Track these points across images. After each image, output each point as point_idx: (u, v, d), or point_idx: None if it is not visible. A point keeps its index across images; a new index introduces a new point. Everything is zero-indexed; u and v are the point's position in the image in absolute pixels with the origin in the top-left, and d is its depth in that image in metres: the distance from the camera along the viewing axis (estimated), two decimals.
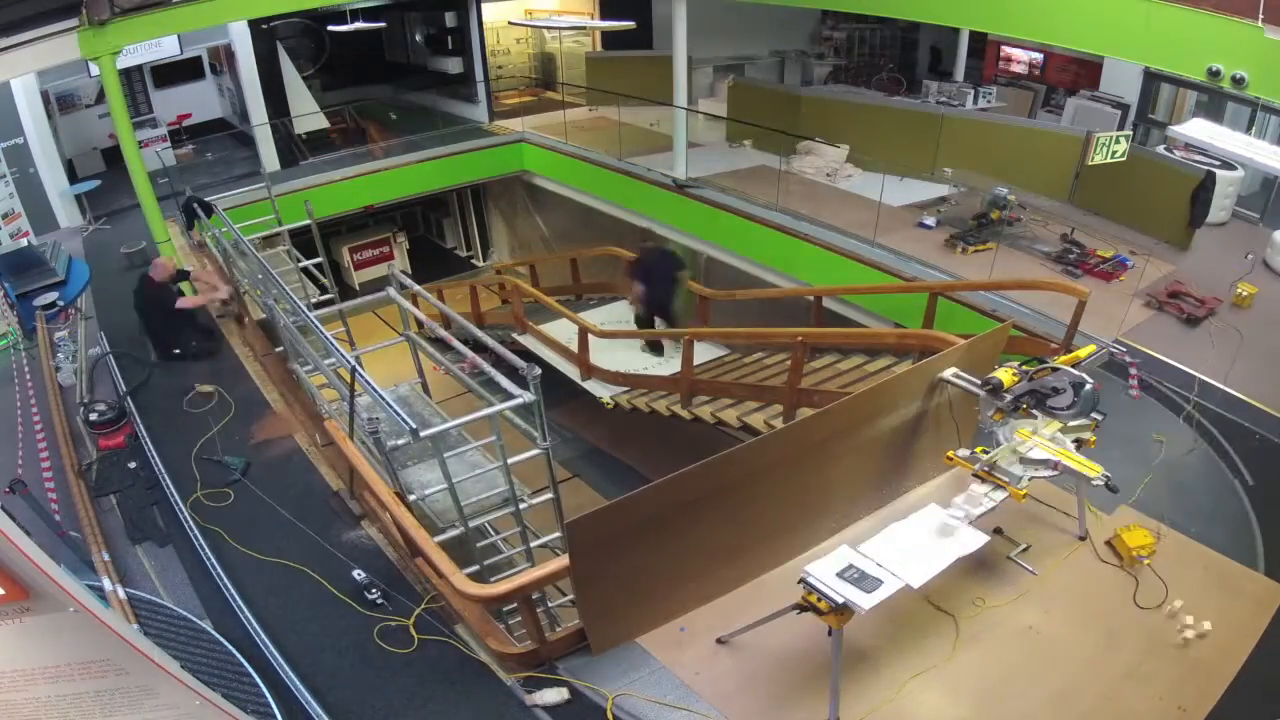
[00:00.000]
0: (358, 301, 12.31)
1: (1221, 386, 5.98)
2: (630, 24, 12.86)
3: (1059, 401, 4.13)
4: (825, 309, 8.30)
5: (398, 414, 4.24)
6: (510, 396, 4.35)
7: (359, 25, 12.47)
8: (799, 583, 3.47)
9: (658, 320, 8.90)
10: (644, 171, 10.68)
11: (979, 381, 4.25)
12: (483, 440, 4.83)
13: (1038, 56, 12.41)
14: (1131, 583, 4.35)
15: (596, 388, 8.57)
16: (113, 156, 10.96)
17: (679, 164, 10.48)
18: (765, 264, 9.40)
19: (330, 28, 13.42)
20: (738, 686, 3.84)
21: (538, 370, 4.29)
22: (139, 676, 2.41)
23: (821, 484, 4.54)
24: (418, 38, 15.62)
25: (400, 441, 4.54)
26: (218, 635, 4.22)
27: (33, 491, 5.16)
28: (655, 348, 8.83)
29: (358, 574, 4.63)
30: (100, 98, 11.59)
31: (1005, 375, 4.17)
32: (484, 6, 13.78)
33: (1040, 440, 4.16)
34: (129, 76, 11.91)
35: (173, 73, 12.81)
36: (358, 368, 4.87)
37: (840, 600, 3.31)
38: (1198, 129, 6.31)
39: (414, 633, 4.27)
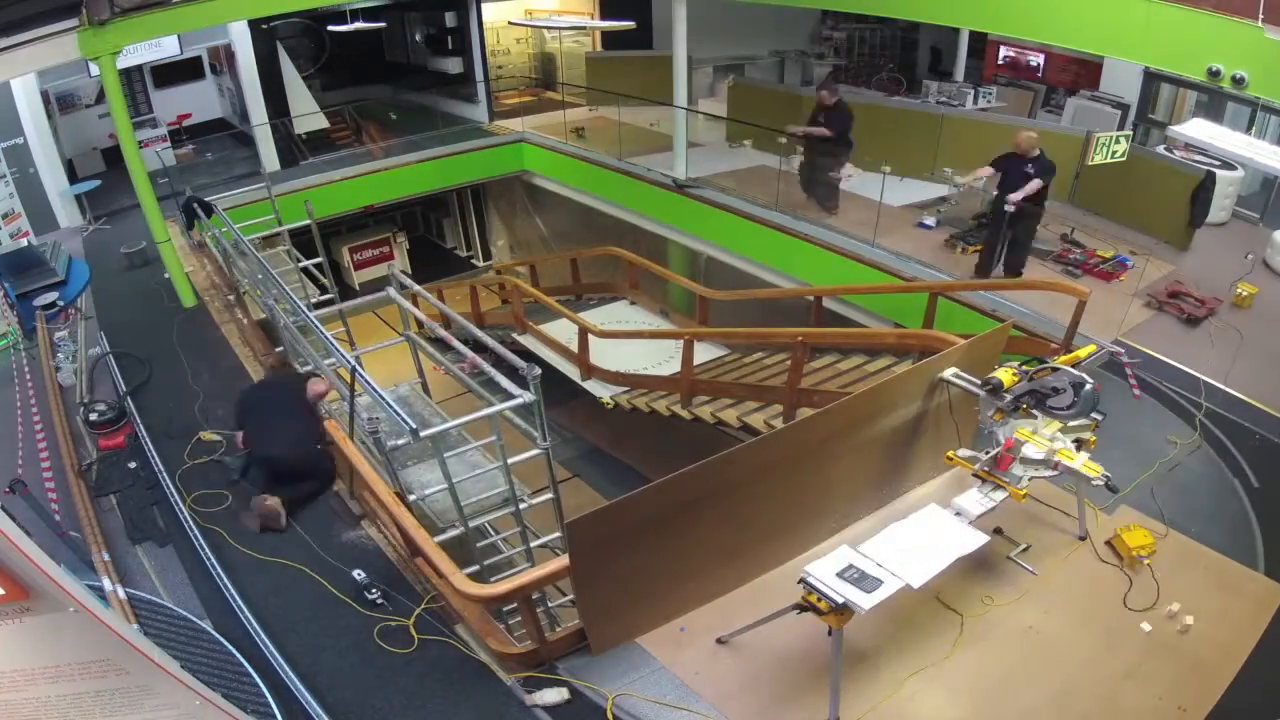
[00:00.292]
0: (358, 301, 12.32)
1: (1222, 387, 5.98)
2: (630, 24, 12.85)
3: (1059, 401, 4.12)
4: (825, 309, 8.30)
5: (398, 414, 4.24)
6: (510, 396, 4.35)
7: (359, 25, 12.47)
8: (799, 583, 3.48)
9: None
10: (644, 171, 10.68)
11: (979, 382, 4.24)
12: (483, 440, 4.83)
13: (1037, 58, 12.41)
14: (1130, 582, 4.35)
15: (596, 388, 8.57)
16: (113, 156, 10.97)
17: (679, 164, 10.47)
18: (765, 264, 9.39)
19: (330, 28, 13.41)
20: (738, 686, 3.84)
21: (538, 370, 4.29)
22: (139, 676, 2.41)
23: (821, 484, 4.54)
24: (418, 38, 15.62)
25: (400, 441, 4.55)
26: (218, 635, 4.22)
27: (33, 491, 5.16)
28: None
29: (358, 574, 4.63)
30: (100, 98, 11.60)
31: (1005, 375, 4.17)
32: (484, 6, 13.77)
33: (1040, 440, 4.17)
34: (129, 76, 11.91)
35: (173, 73, 12.81)
36: (358, 368, 4.87)
37: (840, 600, 3.31)
38: (1198, 129, 6.32)
39: (414, 633, 4.27)
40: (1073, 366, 4.22)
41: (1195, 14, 5.02)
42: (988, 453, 4.14)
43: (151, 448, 5.88)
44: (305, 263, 8.22)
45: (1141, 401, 5.93)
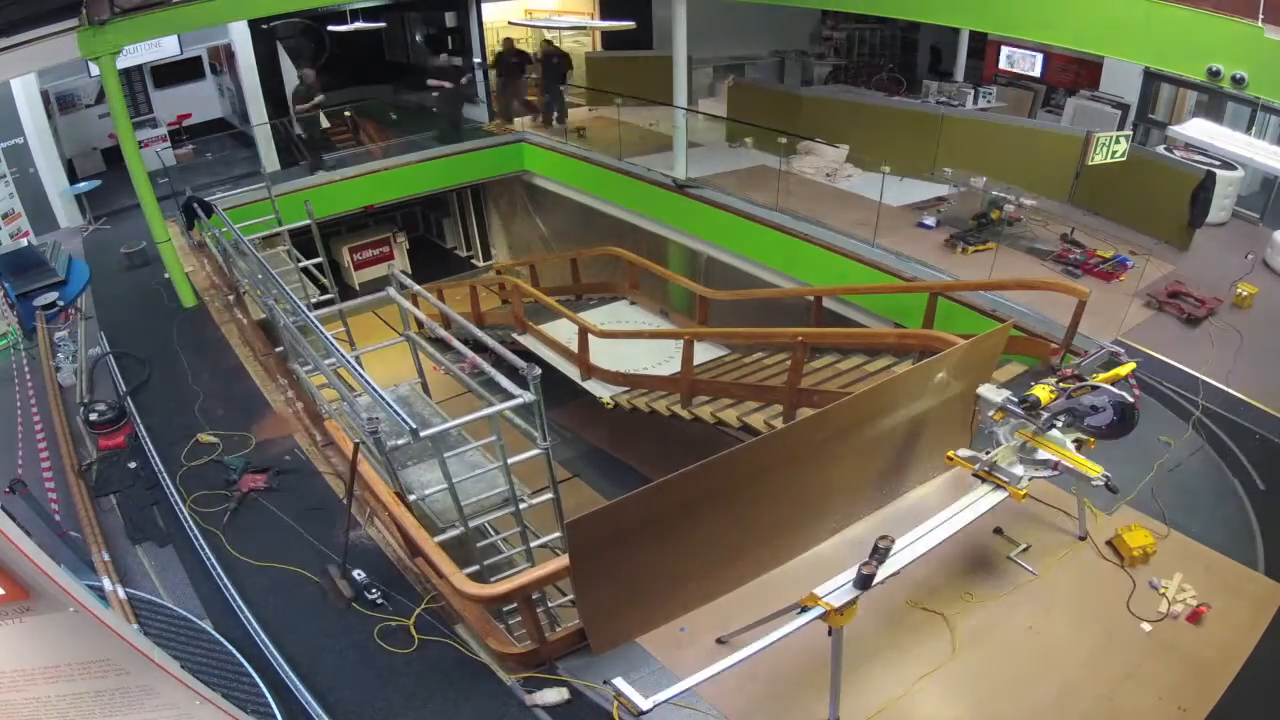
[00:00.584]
0: (358, 301, 12.32)
1: (1222, 387, 5.98)
2: (630, 24, 12.88)
3: (1098, 420, 4.01)
4: (825, 309, 8.30)
5: (398, 414, 4.24)
6: (510, 396, 4.35)
7: (359, 25, 12.46)
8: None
9: None
10: (644, 171, 10.69)
11: (1017, 400, 4.08)
12: (483, 440, 4.83)
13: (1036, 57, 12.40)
14: (1131, 583, 4.35)
15: (596, 388, 8.57)
16: (113, 156, 10.96)
17: (679, 164, 10.47)
18: (765, 264, 9.40)
19: (330, 28, 13.41)
20: (738, 686, 3.84)
21: (538, 370, 4.29)
22: (139, 676, 2.41)
23: (821, 484, 4.54)
24: (418, 38, 15.62)
25: (400, 441, 4.54)
26: (218, 635, 4.22)
27: (33, 491, 5.16)
28: None
29: (358, 574, 4.63)
30: (100, 98, 11.60)
31: (1042, 392, 4.06)
32: (484, 6, 13.78)
33: (1040, 440, 4.15)
34: (129, 76, 11.92)
35: (173, 73, 12.81)
36: (356, 367, 4.87)
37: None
38: (1198, 129, 6.31)
39: (414, 633, 4.27)
40: (1111, 385, 4.10)
41: (1195, 14, 5.01)
42: (987, 452, 4.13)
43: (151, 448, 5.88)
44: (305, 263, 8.22)
45: (1141, 401, 5.91)
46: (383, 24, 14.08)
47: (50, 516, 5.12)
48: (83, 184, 10.80)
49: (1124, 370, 4.38)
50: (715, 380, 7.81)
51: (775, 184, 9.58)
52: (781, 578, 4.39)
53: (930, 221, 8.94)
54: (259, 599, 4.58)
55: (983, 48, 13.11)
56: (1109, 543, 4.59)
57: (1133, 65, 9.82)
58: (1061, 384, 4.19)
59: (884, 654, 3.99)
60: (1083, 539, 4.65)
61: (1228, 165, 8.51)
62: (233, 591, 4.61)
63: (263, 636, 4.30)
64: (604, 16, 14.74)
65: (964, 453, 4.26)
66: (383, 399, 4.43)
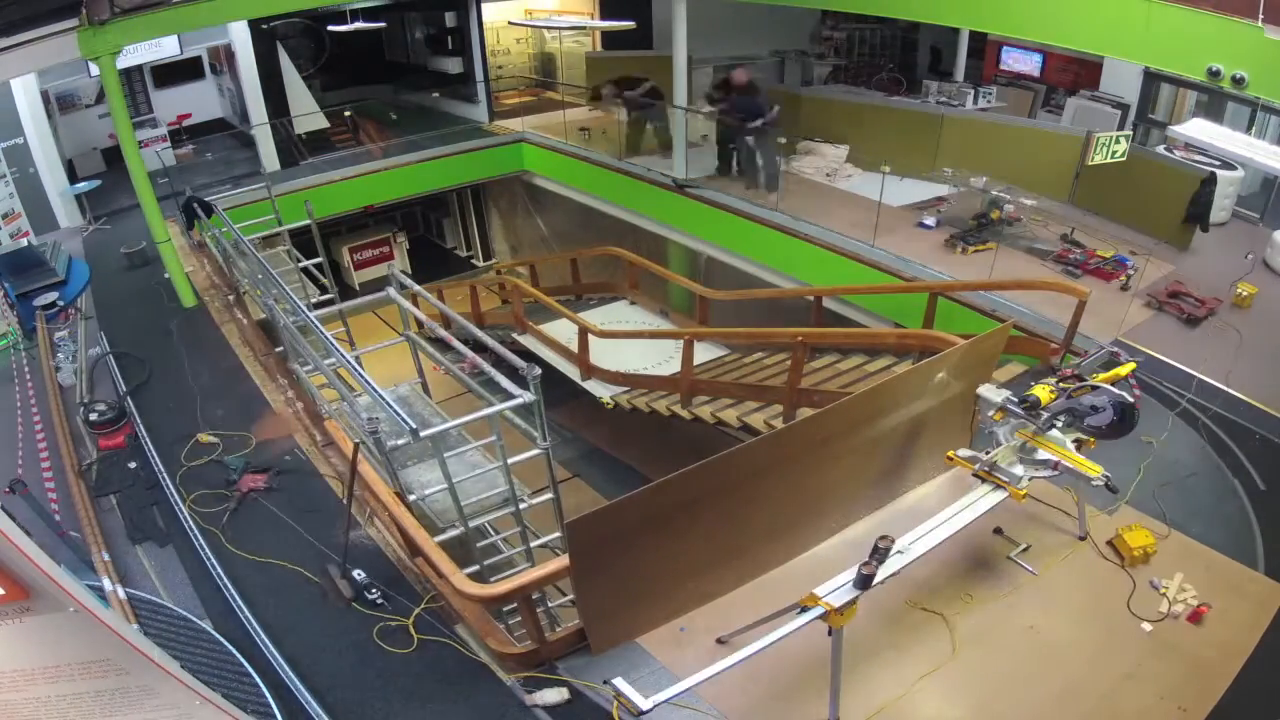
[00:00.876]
0: (358, 301, 12.27)
1: (1222, 387, 5.98)
2: (630, 24, 12.85)
3: (1098, 420, 4.00)
4: (825, 309, 8.30)
5: (398, 414, 4.24)
6: (510, 396, 4.35)
7: (359, 25, 12.47)
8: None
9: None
10: (644, 171, 10.68)
11: (1017, 400, 4.08)
12: (483, 440, 4.83)
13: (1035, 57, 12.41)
14: (1132, 583, 4.35)
15: (596, 388, 8.57)
16: (113, 156, 10.97)
17: (679, 164, 10.47)
18: (765, 264, 9.40)
19: (330, 28, 13.42)
20: (738, 686, 3.84)
21: (538, 370, 4.29)
22: (139, 676, 2.41)
23: (821, 484, 4.54)
24: (418, 37, 15.62)
25: (400, 441, 4.54)
26: (218, 635, 4.22)
27: (33, 491, 5.17)
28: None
29: (358, 574, 4.63)
30: (100, 98, 11.59)
31: (1042, 392, 4.06)
32: (484, 6, 13.77)
33: (1040, 440, 4.15)
34: (129, 76, 11.90)
35: (173, 73, 12.80)
36: (358, 368, 4.87)
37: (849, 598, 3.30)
38: (1198, 129, 6.31)
39: (414, 633, 4.27)
40: (1111, 384, 4.09)
41: (1195, 14, 5.01)
42: (987, 452, 4.13)
43: (151, 448, 5.88)
44: (305, 263, 8.22)
45: (1141, 401, 5.92)
46: (383, 24, 14.08)
47: (50, 516, 5.12)
48: (83, 184, 10.80)
49: (1124, 370, 4.37)
50: (715, 380, 7.81)
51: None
52: (781, 578, 4.39)
53: (930, 221, 8.94)
54: (259, 599, 4.58)
55: (983, 48, 13.10)
56: (1109, 543, 4.59)
57: (1133, 65, 9.82)
58: (1061, 384, 4.19)
59: (884, 654, 3.98)
60: (1083, 539, 4.65)
61: (1228, 165, 8.51)
62: (233, 591, 4.61)
63: (263, 636, 4.30)
64: (604, 16, 14.74)
65: (964, 453, 4.26)
66: (383, 399, 4.43)
